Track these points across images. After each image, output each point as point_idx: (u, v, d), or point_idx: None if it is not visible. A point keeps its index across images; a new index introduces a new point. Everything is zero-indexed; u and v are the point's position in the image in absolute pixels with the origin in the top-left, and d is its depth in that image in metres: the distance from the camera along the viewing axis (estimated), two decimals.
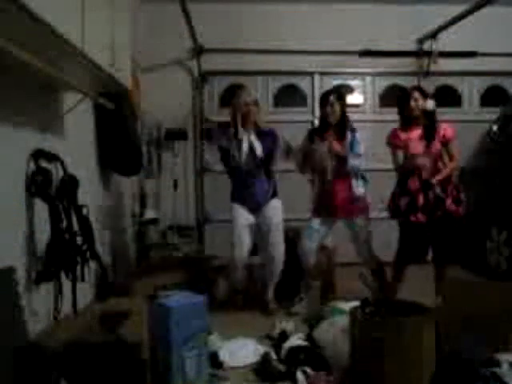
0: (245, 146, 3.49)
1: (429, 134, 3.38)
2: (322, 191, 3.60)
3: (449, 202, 3.34)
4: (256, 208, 3.54)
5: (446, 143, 3.41)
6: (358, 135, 3.55)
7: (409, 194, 3.37)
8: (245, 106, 3.50)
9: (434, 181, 3.31)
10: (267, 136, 3.56)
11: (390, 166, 3.62)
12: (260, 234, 3.59)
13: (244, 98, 3.52)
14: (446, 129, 3.42)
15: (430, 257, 3.60)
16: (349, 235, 3.62)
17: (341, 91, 3.87)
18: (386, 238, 3.70)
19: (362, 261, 3.65)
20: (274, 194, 3.61)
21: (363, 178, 3.55)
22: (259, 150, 3.50)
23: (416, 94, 3.42)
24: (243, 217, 3.52)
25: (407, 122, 3.46)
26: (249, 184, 3.54)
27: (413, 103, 3.41)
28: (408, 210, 3.36)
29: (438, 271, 3.45)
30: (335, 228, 3.74)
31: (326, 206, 3.55)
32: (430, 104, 3.43)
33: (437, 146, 3.37)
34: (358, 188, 3.49)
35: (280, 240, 3.56)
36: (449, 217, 3.36)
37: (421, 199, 3.32)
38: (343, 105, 3.57)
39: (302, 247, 3.60)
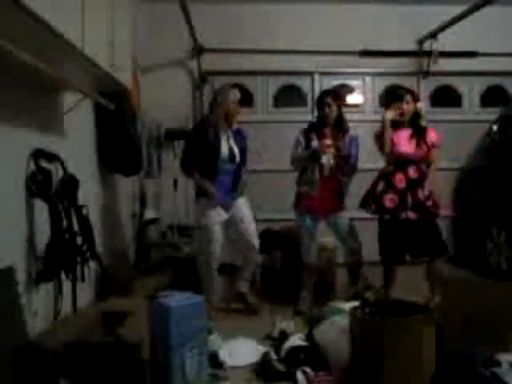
0: (224, 146, 3.44)
1: (419, 134, 3.40)
2: (313, 188, 3.57)
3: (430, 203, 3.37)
4: (228, 206, 3.49)
5: (431, 147, 3.42)
6: (353, 137, 3.58)
7: (395, 191, 3.35)
8: (232, 104, 3.47)
9: (426, 193, 3.34)
10: (238, 135, 3.56)
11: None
12: (233, 229, 3.55)
13: (231, 97, 3.47)
14: (431, 133, 3.44)
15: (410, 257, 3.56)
16: (335, 234, 3.67)
17: (337, 91, 3.87)
18: (371, 238, 3.70)
19: (349, 257, 3.67)
20: (241, 193, 3.59)
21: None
22: (237, 151, 3.49)
23: (408, 97, 3.43)
24: (217, 213, 3.45)
25: (396, 123, 3.45)
26: (223, 183, 3.47)
27: (405, 106, 3.41)
28: (396, 209, 3.34)
29: (428, 269, 3.45)
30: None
31: (314, 202, 3.56)
32: (422, 106, 3.47)
33: (424, 147, 3.39)
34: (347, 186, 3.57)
35: (255, 231, 3.56)
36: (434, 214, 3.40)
37: (409, 198, 3.32)
38: (340, 105, 3.59)
39: (303, 245, 3.63)
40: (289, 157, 3.72)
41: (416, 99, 3.50)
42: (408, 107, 3.41)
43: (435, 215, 3.39)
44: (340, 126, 3.57)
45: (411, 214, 3.30)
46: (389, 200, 3.36)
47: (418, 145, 3.38)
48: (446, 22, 4.93)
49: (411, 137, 3.41)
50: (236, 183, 3.53)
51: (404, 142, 3.40)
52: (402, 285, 3.53)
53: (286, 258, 4.02)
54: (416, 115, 3.45)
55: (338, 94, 3.76)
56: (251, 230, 3.54)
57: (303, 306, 3.52)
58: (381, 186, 3.43)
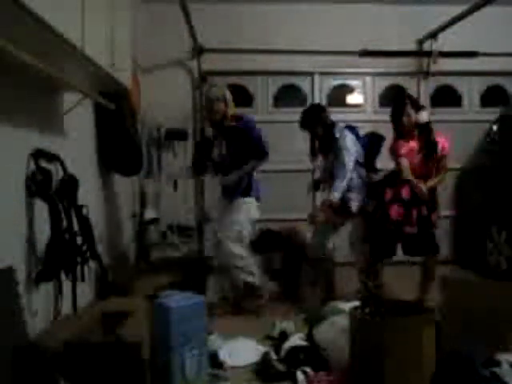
0: (215, 149, 3.53)
1: (429, 149, 3.38)
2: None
3: (434, 216, 3.42)
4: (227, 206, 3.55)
5: (441, 157, 3.42)
6: (344, 142, 3.55)
7: (401, 202, 3.37)
8: (208, 102, 3.50)
9: (424, 189, 3.32)
10: (232, 133, 3.49)
11: (389, 166, 3.64)
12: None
13: (211, 96, 3.49)
14: (444, 143, 3.43)
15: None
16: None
17: (318, 111, 3.80)
18: None
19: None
20: (245, 193, 3.48)
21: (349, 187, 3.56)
22: (225, 150, 3.50)
23: (408, 109, 3.40)
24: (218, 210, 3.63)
25: (401, 135, 3.48)
26: (221, 180, 3.59)
27: (405, 119, 3.40)
28: (401, 221, 3.35)
29: (422, 268, 3.52)
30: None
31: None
32: (424, 116, 3.41)
33: (433, 160, 3.40)
34: (334, 195, 3.49)
35: (227, 240, 3.41)
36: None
37: (414, 213, 3.34)
38: (323, 123, 3.65)
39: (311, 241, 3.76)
40: (294, 158, 3.84)
41: (417, 107, 3.44)
42: (409, 119, 3.40)
43: (433, 226, 3.43)
44: (329, 141, 3.61)
45: (412, 230, 3.34)
46: (394, 211, 3.38)
47: (426, 160, 3.38)
48: (445, 22, 4.93)
49: (419, 151, 3.40)
50: (235, 184, 3.49)
51: (411, 156, 3.40)
52: (397, 284, 3.57)
53: (286, 258, 4.03)
54: (421, 126, 3.41)
55: (320, 113, 3.73)
56: (228, 232, 3.43)
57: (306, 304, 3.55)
58: (389, 195, 3.44)
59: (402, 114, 3.41)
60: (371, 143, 3.69)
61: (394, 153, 3.48)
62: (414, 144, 3.43)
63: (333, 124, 3.67)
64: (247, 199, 3.49)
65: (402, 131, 3.46)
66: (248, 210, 3.48)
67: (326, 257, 3.71)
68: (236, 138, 3.48)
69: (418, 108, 3.45)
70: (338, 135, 3.58)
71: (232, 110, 3.52)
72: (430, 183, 3.38)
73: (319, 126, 3.64)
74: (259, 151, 3.44)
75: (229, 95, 3.52)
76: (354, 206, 3.54)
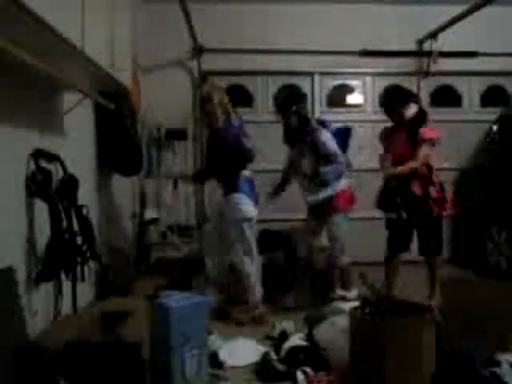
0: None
1: (413, 138, 3.43)
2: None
3: (430, 201, 3.41)
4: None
5: (419, 142, 3.42)
6: (322, 135, 3.56)
7: (389, 191, 3.49)
8: (200, 102, 3.58)
9: (391, 170, 3.42)
10: (218, 134, 3.42)
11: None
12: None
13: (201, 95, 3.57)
14: (424, 130, 3.43)
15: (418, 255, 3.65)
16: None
17: (295, 99, 3.78)
18: (376, 237, 3.76)
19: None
20: (233, 190, 3.39)
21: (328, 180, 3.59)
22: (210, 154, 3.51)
23: (397, 107, 3.49)
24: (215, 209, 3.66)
25: (396, 125, 3.59)
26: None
27: (395, 117, 3.53)
28: (390, 208, 3.51)
29: (429, 269, 3.55)
30: None
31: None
32: (410, 111, 3.46)
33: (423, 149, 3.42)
34: (321, 194, 3.59)
35: (235, 238, 3.38)
36: (431, 215, 3.42)
37: (398, 198, 3.44)
38: (296, 111, 3.62)
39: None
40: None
41: (405, 102, 3.48)
42: (398, 116, 3.49)
43: (429, 216, 3.43)
44: (303, 130, 3.61)
45: (402, 214, 3.44)
46: (386, 200, 3.56)
47: (412, 148, 3.42)
48: (446, 22, 4.94)
49: (406, 140, 3.46)
50: (220, 181, 3.54)
51: (400, 144, 3.47)
52: (402, 285, 3.58)
53: (287, 258, 4.03)
54: (413, 122, 3.44)
55: (296, 100, 3.73)
56: (231, 239, 3.42)
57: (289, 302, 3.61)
58: (381, 188, 3.62)
59: (392, 112, 3.54)
60: (342, 137, 3.71)
61: (380, 139, 3.71)
62: (403, 133, 3.49)
63: (306, 118, 3.66)
64: (236, 195, 3.37)
65: (395, 122, 3.58)
66: (240, 207, 3.37)
67: (317, 259, 3.74)
68: (214, 143, 3.44)
69: (406, 102, 3.50)
70: (313, 128, 3.60)
71: (222, 111, 3.41)
72: (400, 169, 3.41)
73: (293, 115, 3.61)
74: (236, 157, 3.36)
75: (220, 96, 3.43)
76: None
